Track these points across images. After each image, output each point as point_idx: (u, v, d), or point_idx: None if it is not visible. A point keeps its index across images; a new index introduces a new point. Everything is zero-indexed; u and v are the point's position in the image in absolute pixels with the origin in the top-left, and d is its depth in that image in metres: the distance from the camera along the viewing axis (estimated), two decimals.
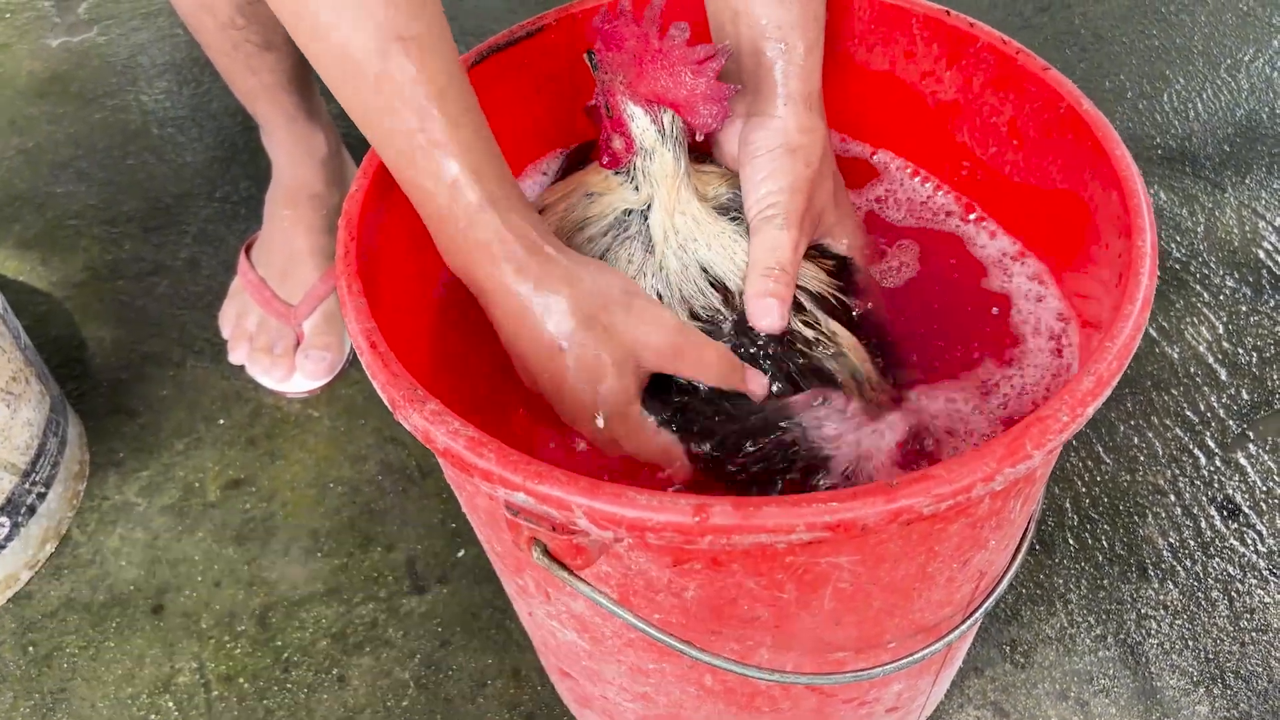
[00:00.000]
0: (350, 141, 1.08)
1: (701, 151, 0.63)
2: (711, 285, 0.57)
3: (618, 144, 0.58)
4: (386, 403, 0.45)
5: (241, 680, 0.81)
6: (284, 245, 0.99)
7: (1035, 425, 0.41)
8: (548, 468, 0.40)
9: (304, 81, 0.93)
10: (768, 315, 0.55)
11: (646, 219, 0.58)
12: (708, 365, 0.54)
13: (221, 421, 0.98)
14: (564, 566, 0.43)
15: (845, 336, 0.57)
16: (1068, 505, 0.87)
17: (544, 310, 0.51)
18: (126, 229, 1.17)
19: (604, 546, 0.43)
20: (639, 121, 0.56)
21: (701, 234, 0.58)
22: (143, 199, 1.21)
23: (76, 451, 0.93)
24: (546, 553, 0.43)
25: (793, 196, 0.57)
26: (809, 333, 0.56)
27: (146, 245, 1.15)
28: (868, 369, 0.57)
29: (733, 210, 0.60)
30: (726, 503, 0.39)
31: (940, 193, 0.68)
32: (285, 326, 0.98)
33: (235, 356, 1.00)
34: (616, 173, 0.59)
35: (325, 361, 0.97)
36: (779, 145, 0.58)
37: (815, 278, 0.59)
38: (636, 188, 0.58)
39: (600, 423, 0.53)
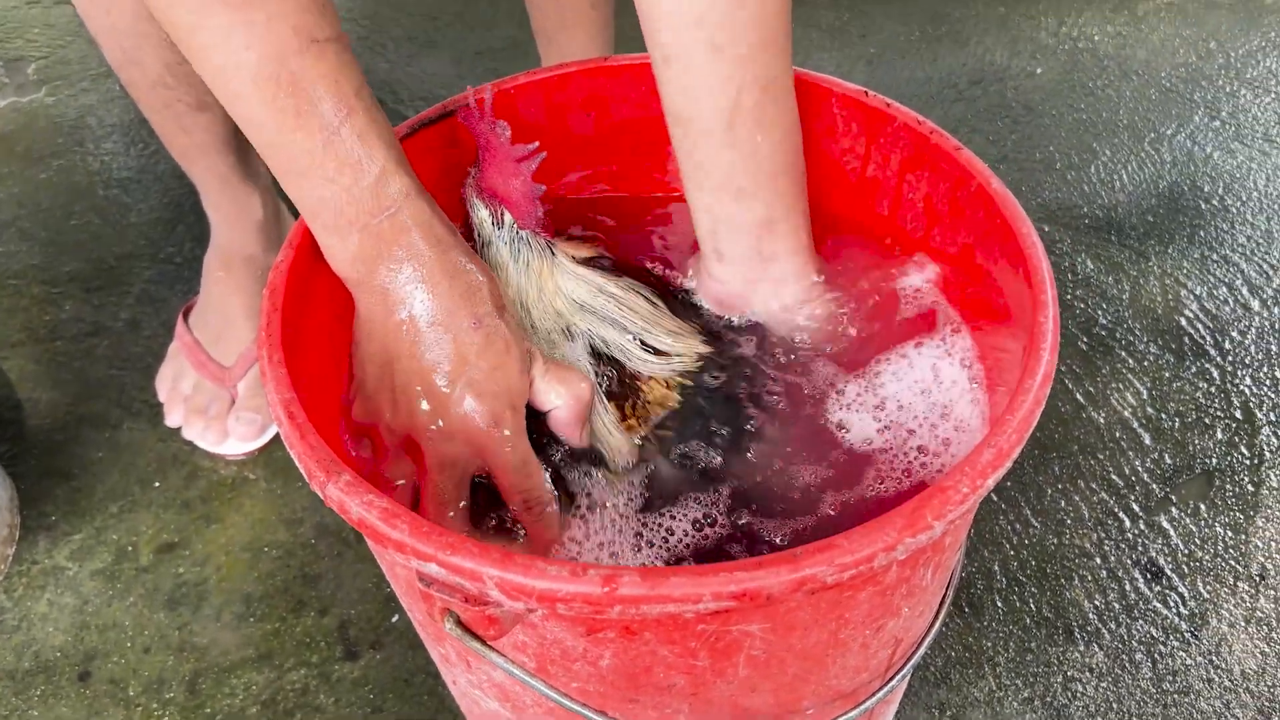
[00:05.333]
0: (290, 204, 1.09)
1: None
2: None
3: (464, 231, 0.61)
4: (304, 474, 0.45)
5: None
6: (219, 307, 0.99)
7: (936, 496, 0.43)
8: (460, 538, 0.41)
9: (239, 143, 0.94)
10: None
11: None
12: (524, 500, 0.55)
13: (157, 484, 0.97)
14: (477, 638, 0.44)
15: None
16: (996, 568, 0.88)
17: (469, 288, 0.53)
18: (68, 289, 1.17)
19: (517, 617, 0.44)
20: (479, 213, 0.60)
21: (538, 313, 0.61)
22: (85, 259, 1.20)
23: (6, 515, 0.92)
24: (460, 624, 0.43)
25: None
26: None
27: (87, 306, 1.15)
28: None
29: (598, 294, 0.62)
30: (634, 573, 0.40)
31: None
32: (220, 389, 0.97)
33: (171, 419, 1.00)
34: None
35: (256, 424, 0.97)
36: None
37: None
38: None
39: (500, 419, 0.54)
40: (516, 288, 0.60)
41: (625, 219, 0.74)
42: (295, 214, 1.07)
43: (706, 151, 0.61)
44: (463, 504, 0.54)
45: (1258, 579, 0.87)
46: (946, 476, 0.43)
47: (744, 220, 0.63)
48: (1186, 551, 0.89)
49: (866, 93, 0.64)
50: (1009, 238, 0.55)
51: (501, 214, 0.59)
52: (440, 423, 0.53)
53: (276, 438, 1.00)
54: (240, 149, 0.94)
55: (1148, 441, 0.98)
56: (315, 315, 0.56)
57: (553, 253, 0.60)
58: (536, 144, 0.58)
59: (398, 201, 0.51)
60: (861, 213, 0.69)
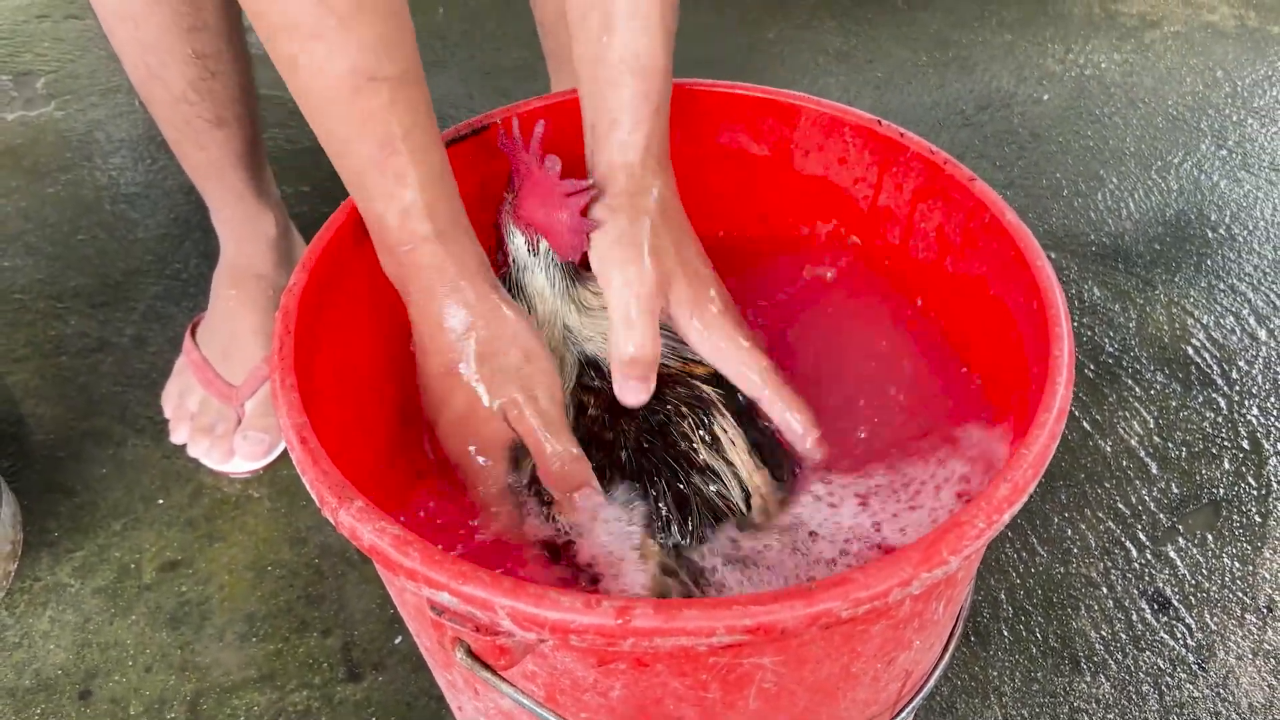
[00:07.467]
0: (300, 223, 1.09)
1: None
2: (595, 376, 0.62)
3: (500, 255, 0.63)
4: (315, 499, 0.45)
5: None
6: (228, 325, 0.99)
7: (952, 531, 0.42)
8: (472, 568, 0.41)
9: (254, 160, 0.94)
10: (634, 396, 0.59)
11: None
12: (548, 464, 0.58)
13: (160, 502, 0.97)
14: (487, 667, 0.43)
15: (741, 455, 0.59)
16: (1002, 596, 0.88)
17: (454, 338, 0.57)
18: (73, 304, 1.17)
19: (528, 647, 0.44)
20: (515, 240, 0.62)
21: (580, 336, 0.62)
22: (91, 274, 1.20)
23: (9, 531, 0.91)
24: (470, 653, 0.43)
25: (624, 249, 0.60)
26: (706, 458, 0.58)
27: (92, 321, 1.14)
28: (758, 481, 0.58)
29: None
30: (648, 605, 0.39)
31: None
32: (227, 407, 0.97)
33: (176, 436, 0.99)
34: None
35: (263, 443, 0.96)
36: (603, 206, 0.61)
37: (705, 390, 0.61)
38: (515, 297, 0.63)
39: (471, 453, 0.59)
40: (554, 310, 0.62)
41: None
42: (307, 233, 1.08)
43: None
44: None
45: (1265, 611, 0.87)
46: (963, 511, 0.43)
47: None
48: (1194, 582, 0.89)
49: (880, 122, 0.64)
50: (1024, 271, 0.55)
51: (537, 242, 0.60)
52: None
53: (281, 456, 1.00)
54: (254, 166, 0.94)
55: (1155, 470, 0.98)
56: (327, 339, 0.56)
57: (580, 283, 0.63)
58: (589, 181, 0.59)
59: (415, 240, 0.56)
60: (872, 241, 0.69)
